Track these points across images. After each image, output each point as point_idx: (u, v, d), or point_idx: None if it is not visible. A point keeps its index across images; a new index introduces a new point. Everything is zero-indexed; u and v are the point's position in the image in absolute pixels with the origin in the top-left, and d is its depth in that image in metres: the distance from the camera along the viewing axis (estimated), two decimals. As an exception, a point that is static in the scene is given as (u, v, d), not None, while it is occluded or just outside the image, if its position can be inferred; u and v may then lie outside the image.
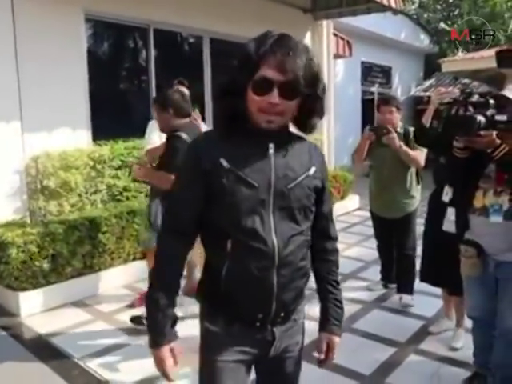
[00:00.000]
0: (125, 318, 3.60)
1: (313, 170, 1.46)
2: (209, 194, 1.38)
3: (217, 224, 1.39)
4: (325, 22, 8.01)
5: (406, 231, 3.92)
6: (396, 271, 4.06)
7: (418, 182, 3.90)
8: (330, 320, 1.57)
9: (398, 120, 3.79)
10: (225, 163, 1.35)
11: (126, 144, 5.02)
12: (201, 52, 6.38)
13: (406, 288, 3.92)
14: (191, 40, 6.55)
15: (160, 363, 1.39)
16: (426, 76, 14.63)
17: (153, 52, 5.76)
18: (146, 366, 3.00)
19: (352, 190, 7.91)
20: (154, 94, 5.75)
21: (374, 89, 12.78)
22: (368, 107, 12.03)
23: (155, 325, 1.40)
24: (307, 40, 7.91)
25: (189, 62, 6.50)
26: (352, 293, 4.11)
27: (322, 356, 1.58)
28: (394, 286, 4.10)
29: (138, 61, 5.90)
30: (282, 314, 1.46)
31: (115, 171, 4.85)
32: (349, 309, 3.82)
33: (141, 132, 5.38)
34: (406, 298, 3.88)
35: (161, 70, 5.82)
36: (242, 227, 1.35)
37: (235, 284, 1.38)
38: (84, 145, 4.87)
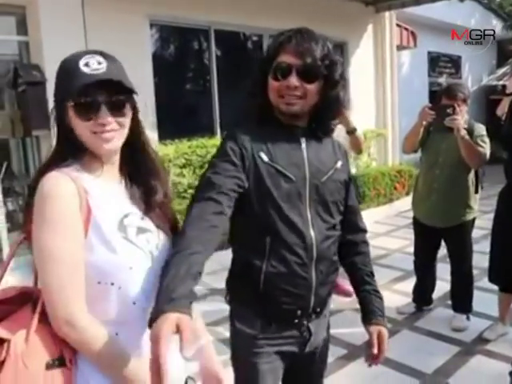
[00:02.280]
0: (205, 307, 3.58)
1: (339, 163, 1.48)
2: (247, 189, 1.33)
3: (255, 220, 1.36)
4: (387, 14, 7.80)
5: (460, 243, 3.34)
6: (450, 288, 3.50)
7: (476, 191, 3.26)
8: (375, 311, 1.52)
9: (464, 114, 3.13)
10: (264, 157, 1.35)
11: (190, 143, 5.19)
12: (261, 50, 6.46)
13: (462, 307, 3.44)
14: (252, 39, 6.64)
15: (155, 339, 0.85)
16: (500, 64, 13.82)
17: (214, 52, 5.91)
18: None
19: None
20: (216, 93, 5.91)
21: (442, 80, 12.26)
22: (435, 100, 11.55)
23: (164, 289, 0.97)
24: (369, 32, 7.75)
25: (250, 60, 6.60)
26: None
27: (375, 350, 1.46)
28: (430, 307, 3.71)
29: (200, 62, 6.08)
30: (318, 310, 1.46)
31: (180, 169, 5.03)
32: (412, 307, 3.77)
33: (204, 131, 5.51)
34: (460, 318, 3.42)
35: (223, 69, 5.97)
36: (282, 221, 1.34)
37: (275, 281, 1.36)
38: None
